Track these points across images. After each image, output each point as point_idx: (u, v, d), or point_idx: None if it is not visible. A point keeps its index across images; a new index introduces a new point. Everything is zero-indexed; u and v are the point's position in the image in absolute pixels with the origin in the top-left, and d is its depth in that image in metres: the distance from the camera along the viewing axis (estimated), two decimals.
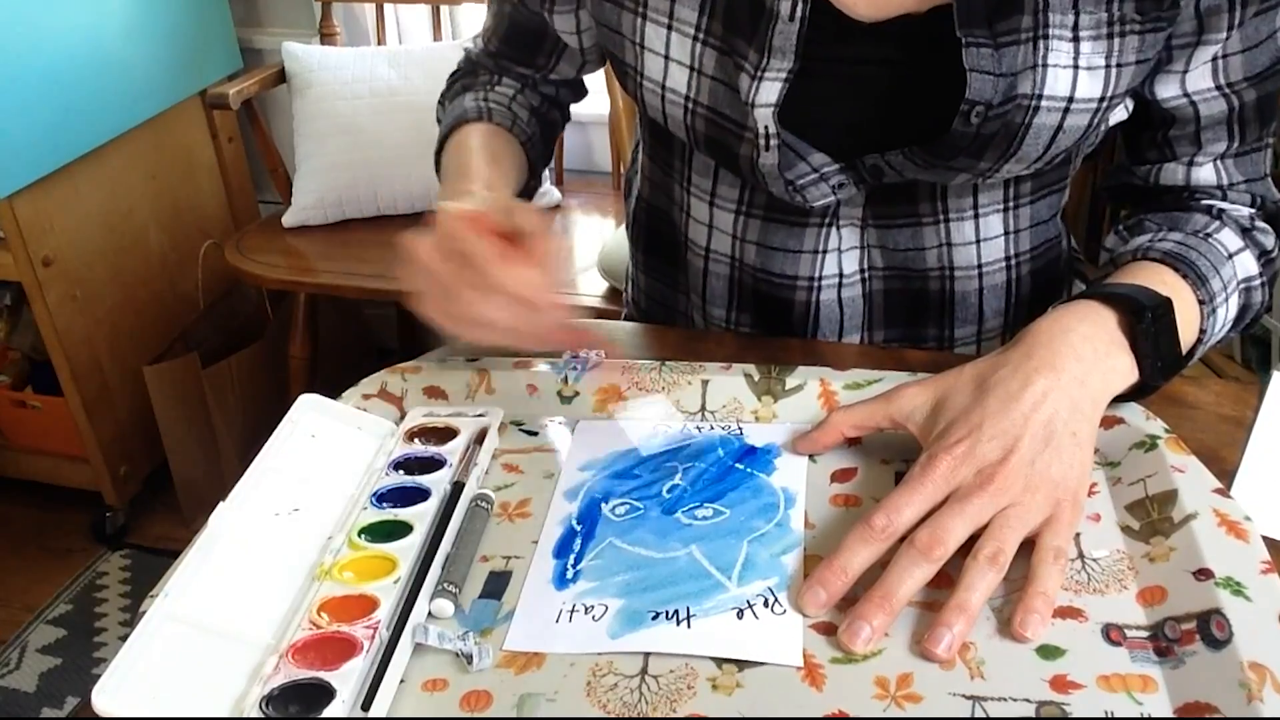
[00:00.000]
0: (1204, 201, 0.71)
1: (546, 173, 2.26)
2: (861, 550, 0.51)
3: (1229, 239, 0.68)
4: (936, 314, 0.78)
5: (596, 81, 1.29)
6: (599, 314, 1.63)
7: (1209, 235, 0.68)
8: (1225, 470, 0.60)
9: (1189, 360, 0.63)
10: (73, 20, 1.66)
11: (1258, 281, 0.70)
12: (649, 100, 0.71)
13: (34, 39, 1.59)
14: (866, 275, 0.76)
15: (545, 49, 0.82)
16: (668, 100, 0.70)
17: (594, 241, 1.82)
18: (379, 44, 2.00)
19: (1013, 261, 0.77)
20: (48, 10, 1.61)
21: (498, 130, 0.80)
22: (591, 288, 1.69)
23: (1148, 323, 0.58)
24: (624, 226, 1.55)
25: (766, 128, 0.66)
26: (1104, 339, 0.58)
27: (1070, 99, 0.62)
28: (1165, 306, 0.59)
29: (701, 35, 0.66)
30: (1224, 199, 0.71)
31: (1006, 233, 0.75)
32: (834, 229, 0.74)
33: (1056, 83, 0.62)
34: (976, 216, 0.74)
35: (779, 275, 0.76)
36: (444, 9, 2.02)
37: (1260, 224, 0.71)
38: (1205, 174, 0.70)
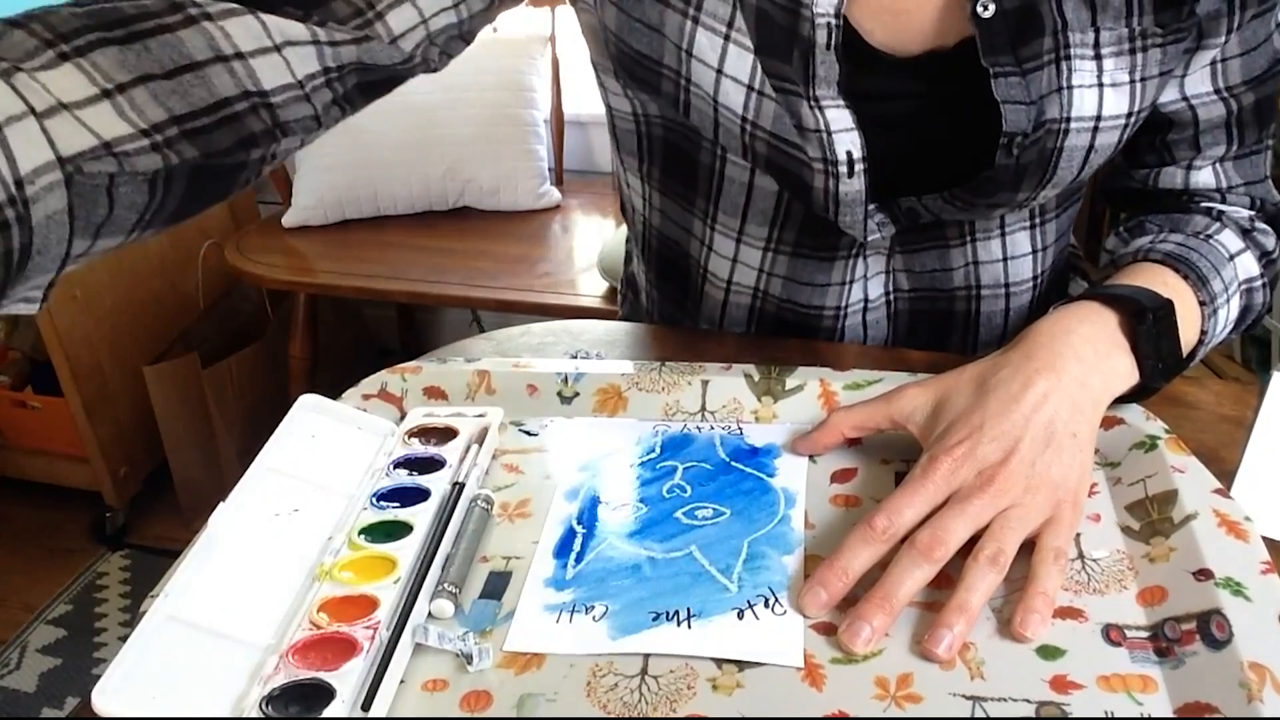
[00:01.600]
0: (1203, 204, 0.71)
1: (547, 171, 2.26)
2: (862, 551, 0.51)
3: (1230, 240, 0.68)
4: (961, 334, 0.78)
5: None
6: (599, 314, 1.63)
7: (1210, 236, 0.68)
8: (1225, 470, 0.60)
9: (1190, 362, 0.63)
10: None
11: (1259, 283, 0.69)
12: (698, 107, 0.65)
13: None
14: (892, 298, 0.76)
15: None
16: (723, 119, 0.65)
17: (594, 241, 1.82)
18: None
19: (1040, 280, 0.76)
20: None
21: None
22: (591, 288, 1.69)
23: (1149, 324, 0.58)
24: (624, 227, 1.55)
25: (849, 152, 0.63)
26: (1105, 340, 0.58)
27: (1098, 118, 0.62)
28: (1167, 308, 0.59)
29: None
30: (1223, 202, 0.71)
31: (1034, 250, 0.75)
32: (861, 258, 0.73)
33: (1083, 103, 0.61)
34: (1003, 234, 0.73)
35: (805, 306, 0.75)
36: None
37: (1260, 225, 0.70)
38: (1204, 177, 0.70)
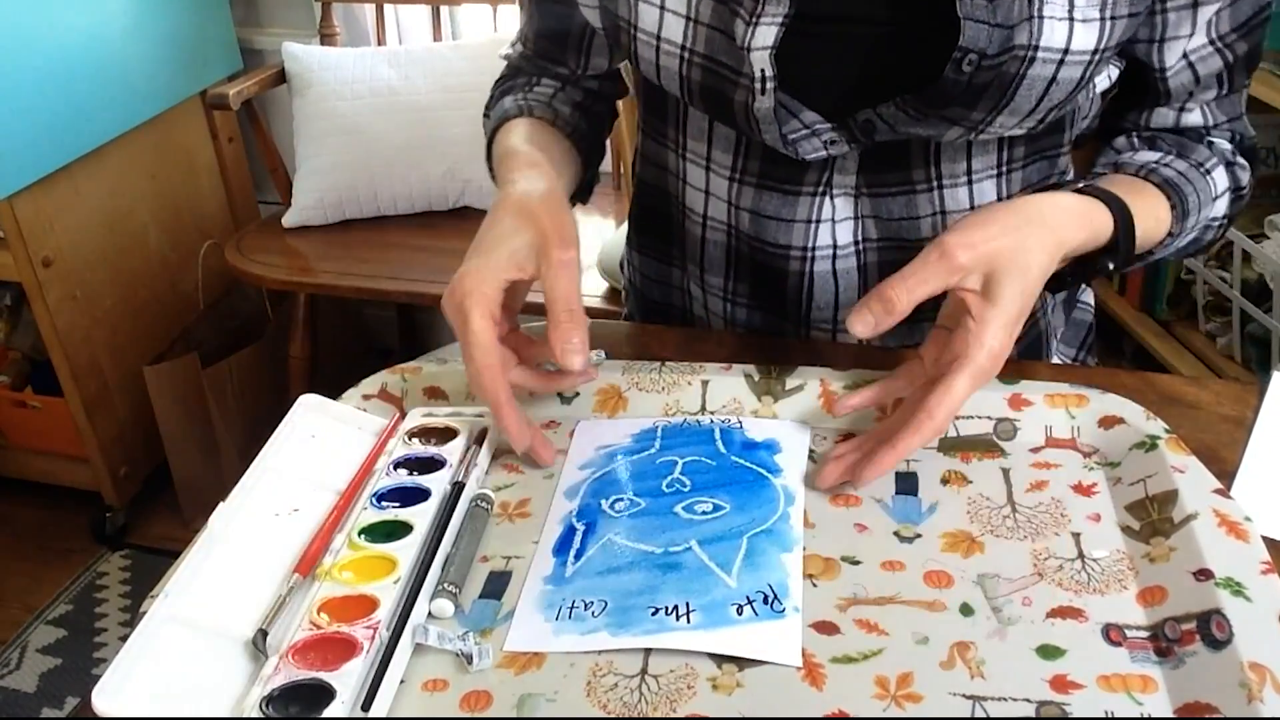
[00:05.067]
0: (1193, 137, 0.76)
1: None
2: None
3: (1220, 178, 0.73)
4: None
5: None
6: (599, 314, 1.63)
7: (1208, 172, 0.72)
8: (1225, 470, 0.60)
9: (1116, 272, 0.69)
10: (73, 20, 1.66)
11: (1217, 224, 0.76)
12: (643, 54, 0.72)
13: (34, 39, 1.59)
14: (861, 247, 0.77)
15: (573, 44, 0.82)
16: (663, 52, 0.70)
17: (594, 241, 1.82)
18: (379, 44, 2.00)
19: None
20: (48, 10, 1.61)
21: (539, 123, 0.82)
22: (591, 288, 1.69)
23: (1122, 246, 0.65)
24: (624, 226, 1.54)
25: (763, 70, 0.66)
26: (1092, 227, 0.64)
27: (1066, 50, 0.63)
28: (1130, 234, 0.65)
29: None
30: (1208, 136, 0.75)
31: (999, 198, 0.76)
32: (828, 198, 0.74)
33: (1053, 34, 0.62)
34: (970, 182, 0.74)
35: (773, 245, 0.76)
36: (444, 9, 2.02)
37: (1239, 160, 0.75)
38: (1194, 117, 0.74)
